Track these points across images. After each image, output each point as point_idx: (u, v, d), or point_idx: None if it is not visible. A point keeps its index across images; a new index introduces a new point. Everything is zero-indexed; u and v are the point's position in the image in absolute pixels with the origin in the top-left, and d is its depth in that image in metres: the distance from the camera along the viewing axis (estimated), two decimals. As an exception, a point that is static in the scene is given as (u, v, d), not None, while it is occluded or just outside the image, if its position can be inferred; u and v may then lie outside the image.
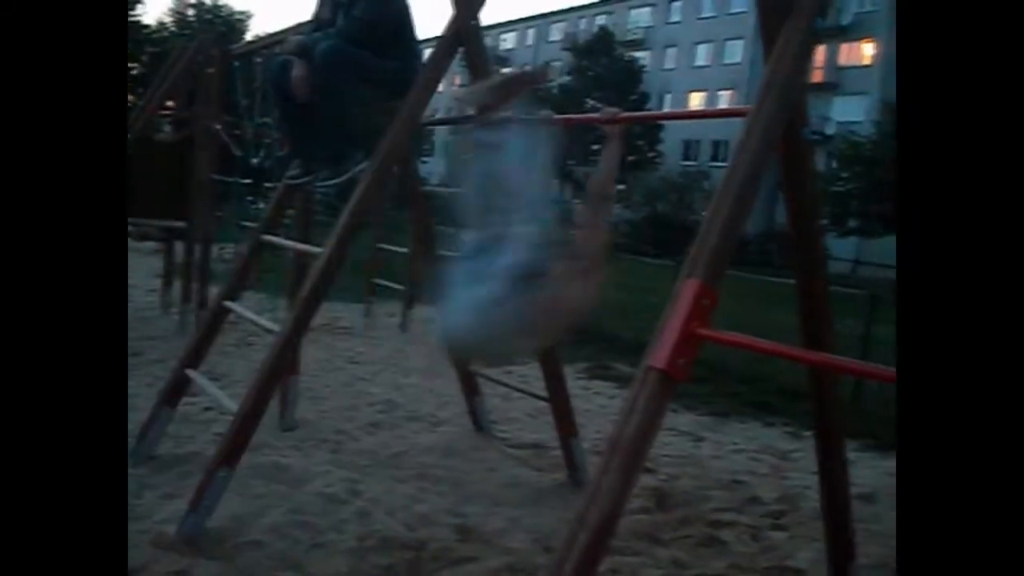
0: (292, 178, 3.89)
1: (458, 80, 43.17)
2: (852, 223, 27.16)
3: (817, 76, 40.08)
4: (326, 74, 3.46)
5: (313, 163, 3.78)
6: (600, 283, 2.70)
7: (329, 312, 8.36)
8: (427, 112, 3.72)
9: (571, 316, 2.57)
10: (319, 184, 3.81)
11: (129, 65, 34.27)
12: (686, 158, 42.19)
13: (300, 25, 4.29)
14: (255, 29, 40.83)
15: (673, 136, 40.55)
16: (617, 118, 2.95)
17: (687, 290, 1.82)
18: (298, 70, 3.52)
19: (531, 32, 56.92)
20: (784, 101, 2.04)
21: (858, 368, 1.94)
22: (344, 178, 3.57)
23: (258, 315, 3.94)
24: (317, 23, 3.87)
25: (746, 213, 1.92)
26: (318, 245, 3.39)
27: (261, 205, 6.29)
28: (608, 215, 2.77)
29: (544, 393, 4.12)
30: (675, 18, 47.99)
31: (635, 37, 48.33)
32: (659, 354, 1.78)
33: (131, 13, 34.73)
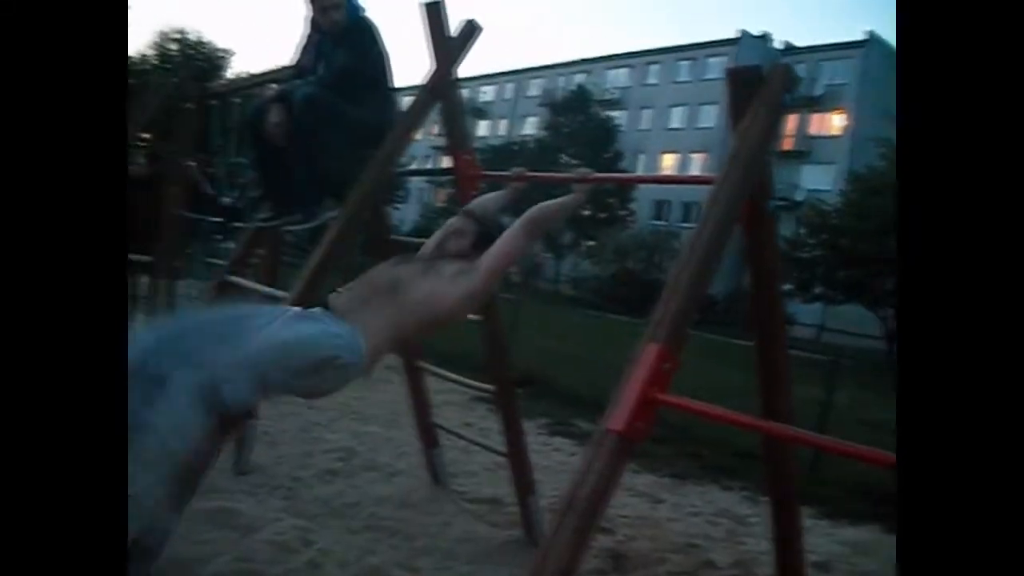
0: (263, 220, 3.89)
1: (435, 130, 43.62)
2: (817, 289, 27.49)
3: (788, 144, 41.03)
4: (303, 121, 3.47)
5: (284, 206, 3.78)
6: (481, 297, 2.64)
7: (292, 355, 8.27)
8: (402, 159, 3.74)
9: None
10: (289, 227, 3.81)
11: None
12: (657, 217, 42.74)
13: (281, 69, 4.31)
14: (236, 68, 40.89)
15: (645, 195, 41.09)
16: (588, 178, 2.99)
17: (648, 354, 1.83)
18: (276, 115, 3.54)
19: (509, 86, 57.72)
20: (749, 173, 2.09)
21: (807, 439, 1.96)
22: (314, 223, 3.57)
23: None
24: (298, 69, 3.90)
25: (709, 280, 1.95)
26: (284, 289, 3.37)
27: (230, 244, 6.26)
28: (528, 246, 2.70)
29: (503, 448, 4.10)
30: (652, 80, 48.99)
31: (612, 96, 49.15)
32: (617, 417, 1.79)
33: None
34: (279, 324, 2.26)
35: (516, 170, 3.32)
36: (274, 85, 4.03)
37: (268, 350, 2.16)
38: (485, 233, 2.68)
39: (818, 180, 38.62)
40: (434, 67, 3.47)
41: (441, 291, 2.48)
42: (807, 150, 41.01)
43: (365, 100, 3.58)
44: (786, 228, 36.19)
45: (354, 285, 2.51)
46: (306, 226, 3.64)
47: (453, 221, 2.78)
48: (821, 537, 4.79)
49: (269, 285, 4.01)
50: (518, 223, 2.62)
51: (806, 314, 32.29)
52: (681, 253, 2.01)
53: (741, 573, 3.98)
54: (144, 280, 7.66)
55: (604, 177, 3.02)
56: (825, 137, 40.85)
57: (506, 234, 2.61)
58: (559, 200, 2.77)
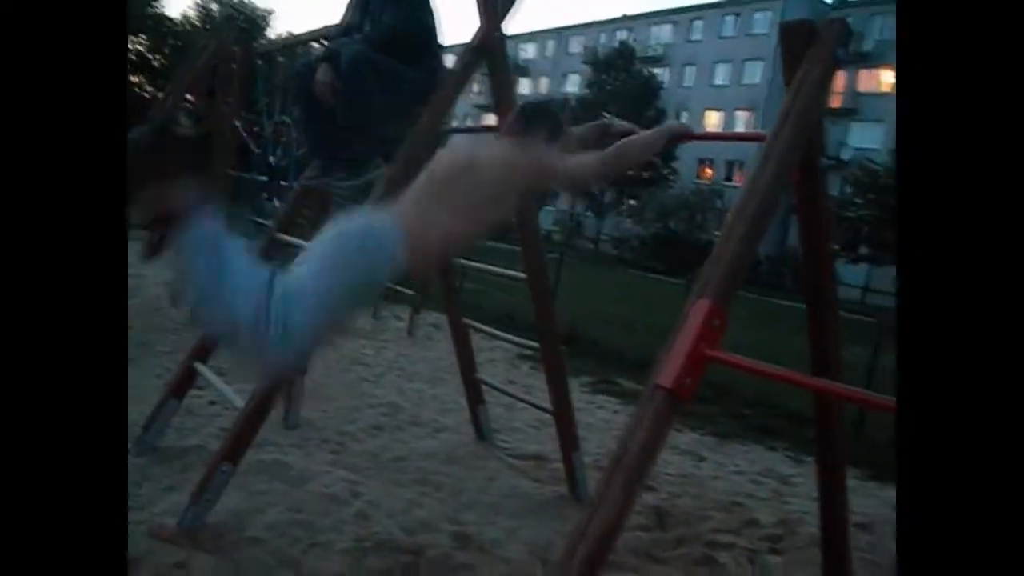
0: (309, 179, 3.93)
1: (476, 88, 43.31)
2: (863, 250, 27.10)
3: (836, 101, 40.12)
4: (351, 80, 3.49)
5: (331, 165, 3.81)
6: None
7: (338, 313, 8.37)
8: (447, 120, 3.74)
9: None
10: (335, 185, 3.84)
11: (151, 58, 34.43)
12: (700, 176, 42.21)
13: (327, 28, 4.32)
14: (277, 28, 41.04)
15: (688, 154, 40.61)
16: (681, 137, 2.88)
17: (697, 310, 1.83)
18: (323, 75, 3.55)
19: (551, 43, 57.12)
20: (802, 130, 2.06)
21: (861, 396, 1.95)
22: (361, 181, 3.60)
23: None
24: (345, 27, 3.90)
25: (760, 237, 1.94)
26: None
27: (276, 203, 6.34)
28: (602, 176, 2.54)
29: (548, 405, 4.13)
30: (696, 36, 48.10)
31: (655, 53, 48.45)
32: (667, 373, 1.80)
33: (154, 5, 34.93)
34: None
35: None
36: (321, 43, 4.04)
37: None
38: (536, 119, 2.56)
39: (866, 139, 37.79)
40: (481, 24, 3.45)
41: (512, 154, 2.42)
42: (855, 107, 40.07)
43: (413, 58, 3.58)
44: (832, 187, 35.58)
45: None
46: (352, 183, 3.67)
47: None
48: (866, 498, 4.78)
49: (317, 243, 4.05)
50: (607, 152, 2.48)
51: (851, 275, 31.85)
52: (732, 210, 1.99)
53: (785, 532, 3.98)
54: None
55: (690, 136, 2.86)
56: (874, 94, 39.81)
57: (591, 156, 2.48)
58: (643, 136, 2.60)
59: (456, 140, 2.39)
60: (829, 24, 2.21)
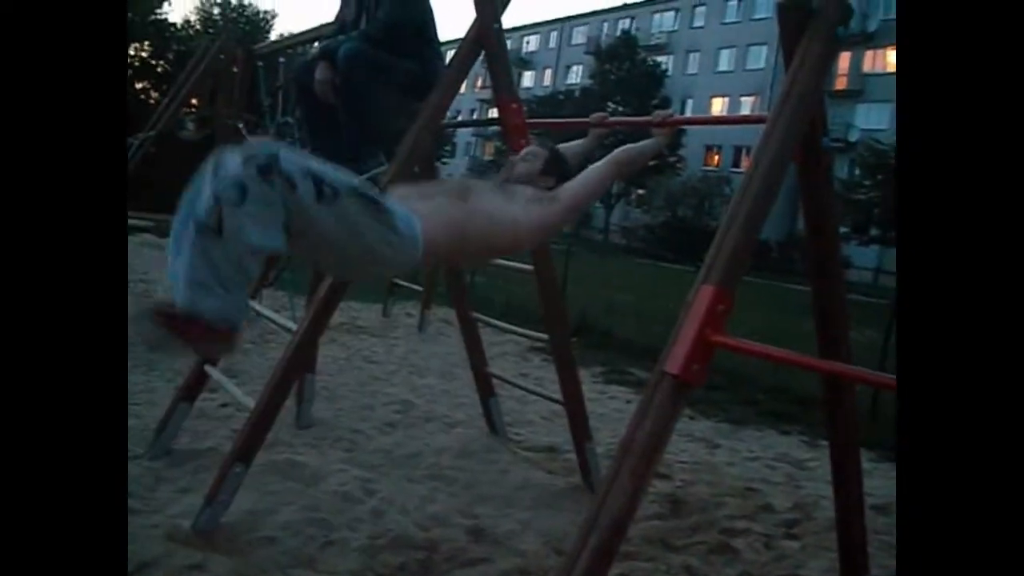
0: (313, 178, 3.92)
1: (480, 82, 43.30)
2: (873, 232, 26.94)
3: (841, 83, 39.89)
4: (348, 76, 3.48)
5: (334, 163, 3.80)
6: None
7: (348, 311, 8.40)
8: (449, 114, 3.73)
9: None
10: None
11: (154, 64, 34.47)
12: (707, 163, 42.08)
13: (323, 26, 4.32)
14: (279, 28, 41.12)
15: (695, 140, 40.44)
16: (668, 121, 2.96)
17: (702, 296, 1.82)
18: (321, 72, 3.55)
19: (554, 35, 57.00)
20: (803, 110, 2.04)
21: (869, 377, 1.93)
22: (365, 177, 3.59)
23: (276, 313, 3.96)
24: (340, 24, 3.90)
25: (762, 220, 1.93)
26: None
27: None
28: (609, 185, 2.74)
29: (559, 396, 4.12)
30: (699, 23, 47.88)
31: (658, 41, 48.30)
32: (673, 359, 1.79)
33: (157, 12, 34.91)
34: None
35: (597, 115, 3.26)
36: (318, 43, 4.04)
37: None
38: (557, 163, 2.69)
39: (873, 119, 37.52)
40: (477, 16, 3.44)
41: (513, 211, 2.38)
42: (861, 88, 39.81)
43: (410, 53, 3.57)
44: (840, 169, 35.45)
45: (420, 184, 2.53)
46: (357, 181, 3.66)
47: (526, 148, 2.80)
48: (883, 479, 4.75)
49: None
50: (605, 160, 2.62)
51: (862, 257, 31.71)
52: (735, 194, 1.98)
53: (800, 516, 3.96)
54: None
55: (682, 120, 2.97)
56: (880, 74, 39.53)
57: (592, 168, 2.58)
58: (643, 143, 2.77)
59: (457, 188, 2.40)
60: (826, 2, 2.19)
